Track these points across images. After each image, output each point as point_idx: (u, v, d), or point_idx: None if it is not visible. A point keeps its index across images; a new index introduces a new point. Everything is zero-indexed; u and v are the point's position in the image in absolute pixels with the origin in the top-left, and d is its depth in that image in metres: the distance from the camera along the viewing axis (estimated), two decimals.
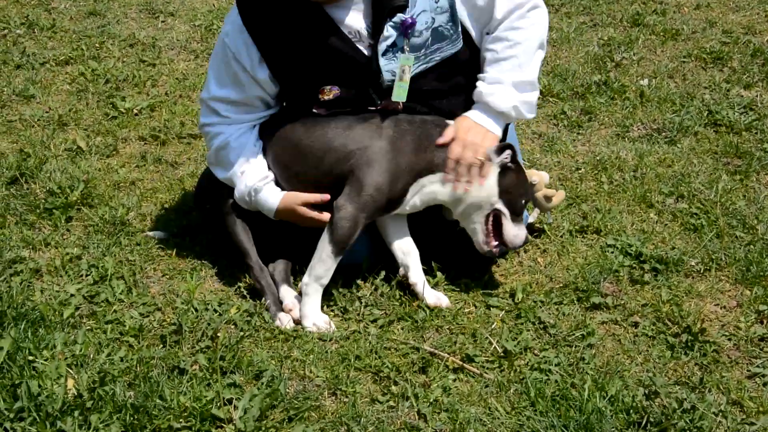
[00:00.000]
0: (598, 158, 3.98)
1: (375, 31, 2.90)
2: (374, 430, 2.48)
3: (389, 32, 2.89)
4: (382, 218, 3.04)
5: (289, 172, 3.04)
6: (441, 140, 2.95)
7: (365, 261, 3.12)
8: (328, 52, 2.92)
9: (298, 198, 3.00)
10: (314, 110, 3.02)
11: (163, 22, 5.49)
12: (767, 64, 4.89)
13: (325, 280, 2.95)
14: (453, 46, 2.98)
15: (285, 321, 2.94)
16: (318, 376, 2.68)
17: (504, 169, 2.97)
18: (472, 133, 2.96)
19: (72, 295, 3.00)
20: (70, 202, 3.52)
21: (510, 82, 2.96)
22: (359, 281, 3.09)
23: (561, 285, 3.15)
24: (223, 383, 2.58)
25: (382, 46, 2.90)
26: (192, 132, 4.16)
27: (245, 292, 3.08)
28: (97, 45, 5.09)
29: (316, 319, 2.92)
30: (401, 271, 3.08)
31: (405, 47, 2.90)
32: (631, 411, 2.49)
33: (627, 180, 3.80)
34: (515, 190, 3.00)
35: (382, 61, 2.92)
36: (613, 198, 3.68)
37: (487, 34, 2.99)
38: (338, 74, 2.97)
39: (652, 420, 2.44)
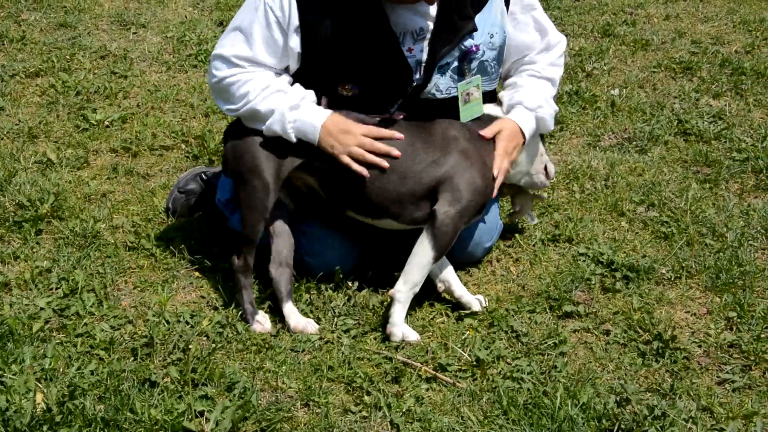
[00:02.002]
0: (569, 167, 4.01)
1: (437, 50, 2.89)
2: None
3: (453, 54, 2.93)
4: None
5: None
6: (488, 133, 3.01)
7: (337, 272, 3.11)
8: (369, 46, 2.87)
9: (353, 123, 2.86)
10: (321, 100, 2.93)
11: (134, 33, 5.48)
12: (735, 73, 4.95)
13: (418, 288, 2.91)
14: (490, 84, 3.09)
15: (264, 323, 2.94)
16: (290, 388, 2.67)
17: None
18: (515, 141, 3.05)
19: (42, 309, 2.97)
20: (40, 214, 3.49)
21: (549, 102, 3.14)
22: (332, 291, 3.09)
23: (533, 293, 3.16)
24: (194, 395, 2.56)
25: (441, 62, 2.93)
26: (164, 144, 4.15)
27: (217, 304, 3.06)
28: (67, 57, 5.07)
29: (405, 329, 2.88)
30: (440, 285, 3.05)
31: (465, 72, 2.97)
32: (603, 418, 2.50)
33: (598, 189, 3.83)
34: None
35: (435, 77, 2.95)
36: (584, 207, 3.70)
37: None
38: (367, 71, 2.90)
39: (623, 427, 2.45)
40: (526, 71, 3.15)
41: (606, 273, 3.25)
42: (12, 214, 3.51)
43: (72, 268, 3.21)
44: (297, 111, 2.86)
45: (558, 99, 4.59)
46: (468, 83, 2.98)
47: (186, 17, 5.75)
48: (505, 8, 3.04)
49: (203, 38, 5.33)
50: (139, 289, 3.15)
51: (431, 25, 2.92)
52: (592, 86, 4.81)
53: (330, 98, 2.94)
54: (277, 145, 2.90)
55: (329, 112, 2.89)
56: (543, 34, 3.14)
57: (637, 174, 3.97)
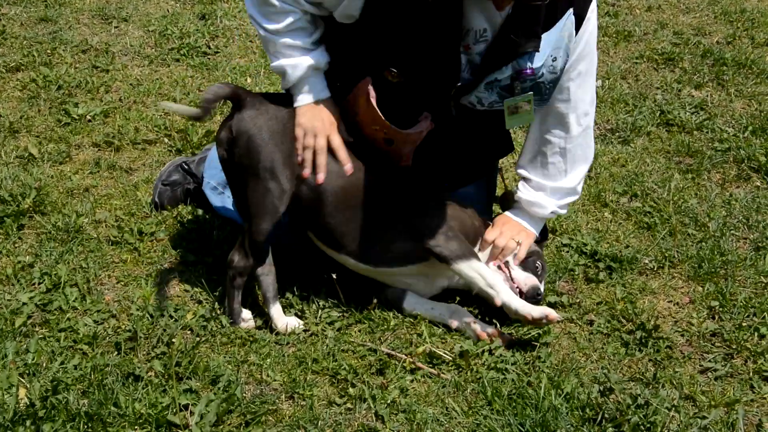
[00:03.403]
0: None
1: (490, 61, 2.78)
2: None
3: (505, 71, 2.79)
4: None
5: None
6: (488, 237, 3.03)
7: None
8: (430, 33, 2.71)
9: (327, 125, 2.84)
10: (369, 86, 2.83)
11: (116, 27, 5.44)
12: (717, 64, 4.98)
13: (499, 278, 2.90)
14: (538, 104, 2.92)
15: (248, 319, 2.94)
16: (275, 380, 2.67)
17: None
18: (509, 226, 3.06)
19: (24, 304, 2.96)
20: (22, 209, 3.47)
21: (551, 188, 3.07)
22: (317, 284, 3.08)
23: None
24: (179, 389, 2.56)
25: (491, 77, 2.80)
26: (146, 138, 4.12)
27: (201, 298, 3.05)
28: (48, 51, 5.03)
29: (527, 306, 2.83)
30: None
31: (516, 90, 2.83)
32: (587, 407, 2.52)
33: None
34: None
35: (482, 87, 2.83)
36: None
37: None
38: (419, 59, 2.76)
39: (607, 416, 2.46)
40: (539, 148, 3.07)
41: (589, 263, 3.26)
42: None
43: (55, 262, 3.19)
44: (314, 73, 2.85)
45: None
46: (515, 99, 2.85)
47: (168, 11, 5.71)
48: (574, 31, 2.81)
49: (185, 32, 5.30)
50: (122, 283, 3.13)
51: (496, 31, 2.76)
52: None
53: (374, 80, 2.83)
54: (292, 145, 2.85)
55: (325, 96, 2.86)
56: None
57: (620, 165, 3.99)
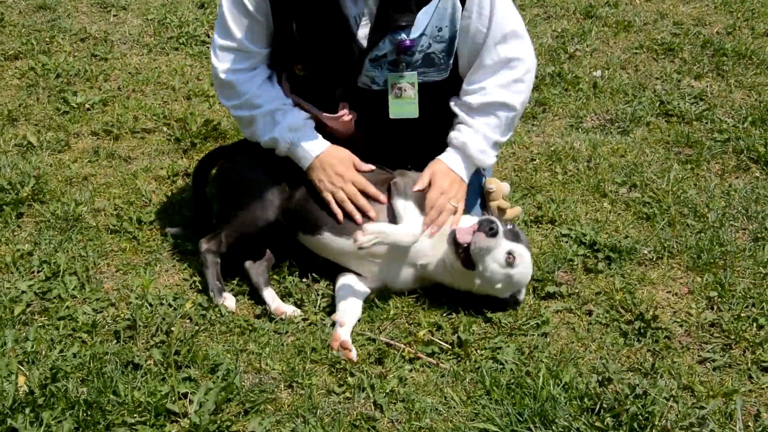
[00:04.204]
0: (552, 149, 4.01)
1: (371, 39, 2.89)
2: (330, 421, 2.49)
3: (385, 46, 2.89)
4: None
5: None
6: (418, 186, 2.98)
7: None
8: (323, 27, 2.90)
9: (346, 166, 2.99)
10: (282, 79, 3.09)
11: (115, 16, 5.43)
12: (717, 54, 4.96)
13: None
14: (439, 74, 3.01)
15: (229, 299, 2.95)
16: (274, 369, 2.68)
17: None
18: (448, 180, 3.01)
19: (23, 292, 2.96)
20: (21, 197, 3.46)
21: (487, 135, 3.03)
22: (315, 273, 3.08)
23: None
24: (178, 377, 2.57)
25: (372, 54, 2.91)
26: (145, 127, 4.12)
27: (200, 287, 3.05)
28: (47, 39, 5.02)
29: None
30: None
31: (400, 65, 2.92)
32: (585, 397, 2.52)
33: (581, 170, 3.84)
34: None
35: (368, 66, 2.93)
36: (567, 188, 3.71)
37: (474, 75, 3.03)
38: (318, 53, 2.95)
39: (605, 406, 2.46)
40: (476, 94, 3.03)
41: (588, 254, 3.26)
42: None
43: (54, 251, 3.19)
44: (297, 132, 2.98)
45: (540, 81, 4.60)
46: (400, 77, 2.95)
47: (167, 0, 5.70)
48: (458, 2, 2.89)
49: (184, 20, 5.29)
50: (121, 272, 3.13)
51: (373, 12, 2.89)
52: (575, 68, 4.81)
53: (288, 74, 3.08)
54: (283, 180, 3.01)
55: (327, 144, 3.00)
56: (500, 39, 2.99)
57: (619, 155, 3.98)
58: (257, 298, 3.00)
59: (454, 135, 3.05)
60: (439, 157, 3.06)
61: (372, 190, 2.99)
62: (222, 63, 3.01)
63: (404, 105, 3.00)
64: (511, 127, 3.10)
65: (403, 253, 2.94)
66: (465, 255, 2.83)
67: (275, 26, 2.96)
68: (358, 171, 3.02)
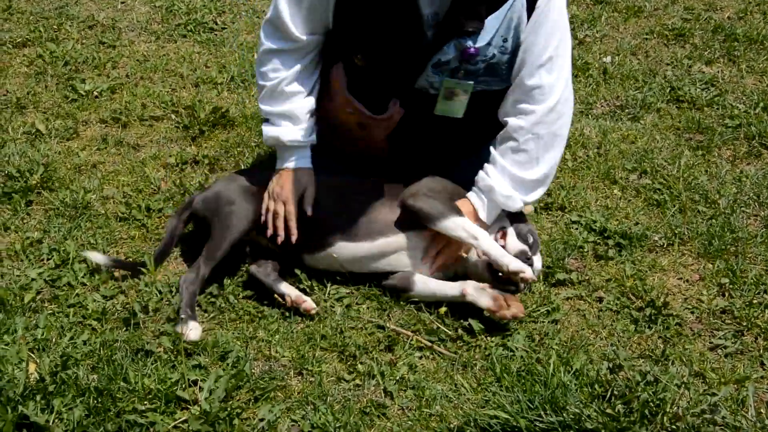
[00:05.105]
0: None
1: (436, 41, 2.82)
2: (340, 408, 2.49)
3: (450, 51, 2.82)
4: None
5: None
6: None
7: None
8: (394, 20, 2.80)
9: (291, 195, 2.97)
10: (341, 70, 2.97)
11: (122, 3, 5.41)
12: (728, 40, 4.93)
13: (482, 230, 2.86)
14: (499, 84, 2.92)
15: (195, 330, 2.76)
16: (284, 356, 2.68)
17: None
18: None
19: (33, 279, 2.97)
20: (30, 185, 3.47)
21: (515, 177, 2.93)
22: None
23: None
24: (188, 365, 2.57)
25: (436, 58, 2.84)
26: (153, 114, 4.12)
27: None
28: (55, 27, 5.01)
29: (507, 256, 2.80)
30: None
31: (460, 72, 2.86)
32: (596, 384, 2.51)
33: (591, 157, 3.82)
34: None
35: (429, 70, 2.87)
36: (577, 175, 3.70)
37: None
38: (387, 45, 2.86)
39: (616, 393, 2.46)
40: (508, 143, 2.93)
41: (599, 240, 3.25)
42: (1, 185, 3.49)
43: (63, 238, 3.20)
44: (296, 146, 2.98)
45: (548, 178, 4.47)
46: (456, 83, 2.88)
47: None
48: (525, 16, 2.80)
49: (192, 7, 5.28)
50: (130, 259, 3.13)
51: (444, 14, 2.81)
52: (585, 54, 4.79)
53: (345, 64, 2.95)
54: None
55: (306, 164, 3.00)
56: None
57: (629, 141, 3.97)
58: (266, 289, 3.00)
59: (481, 176, 2.98)
60: (467, 196, 2.99)
61: (292, 223, 2.95)
62: (267, 41, 2.94)
63: (453, 106, 2.93)
64: (544, 156, 2.93)
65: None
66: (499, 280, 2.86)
67: (340, 12, 2.85)
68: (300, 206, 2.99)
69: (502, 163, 2.92)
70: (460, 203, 2.96)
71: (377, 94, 2.97)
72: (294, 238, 2.95)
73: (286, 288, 2.91)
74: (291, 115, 2.97)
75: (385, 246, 2.95)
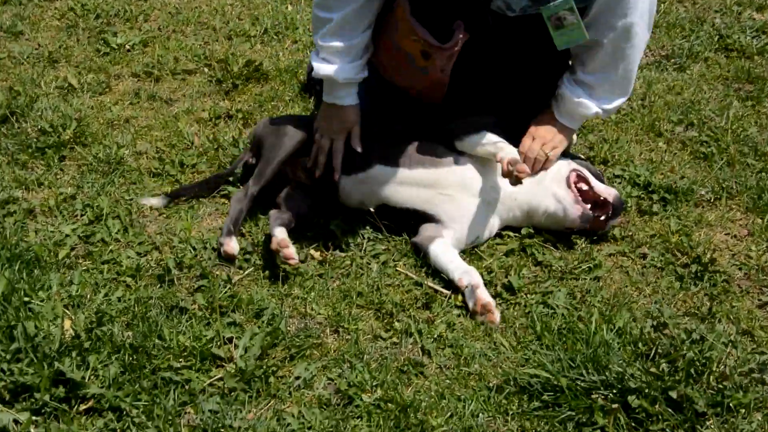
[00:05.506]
0: None
1: None
2: (377, 366, 2.47)
3: None
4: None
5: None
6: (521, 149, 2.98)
7: None
8: None
9: (356, 122, 2.98)
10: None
11: None
12: None
13: (505, 142, 2.91)
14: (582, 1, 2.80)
15: (231, 244, 2.89)
16: (319, 314, 2.67)
17: None
18: (542, 130, 2.99)
19: (67, 236, 2.98)
20: (63, 140, 3.47)
21: (599, 86, 2.94)
22: (360, 219, 3.05)
23: None
24: (222, 322, 2.57)
25: None
26: (186, 68, 4.09)
27: (243, 230, 3.04)
28: None
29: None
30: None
31: None
32: (639, 342, 2.47)
33: (635, 109, 3.74)
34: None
35: None
36: (620, 127, 3.62)
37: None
38: None
39: (660, 351, 2.41)
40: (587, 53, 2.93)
41: (642, 195, 3.19)
42: (34, 140, 3.49)
43: (96, 194, 3.20)
44: (345, 82, 2.93)
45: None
46: (555, 6, 2.72)
47: None
48: None
49: None
50: (164, 215, 3.13)
51: None
52: None
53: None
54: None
55: (354, 102, 2.97)
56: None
57: (675, 92, 3.88)
58: (300, 243, 2.98)
59: (564, 93, 2.98)
60: (546, 117, 3.01)
61: (337, 161, 2.98)
62: None
63: (571, 33, 2.79)
64: (627, 72, 2.94)
65: (475, 190, 2.94)
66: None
67: None
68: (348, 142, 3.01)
69: (577, 70, 2.94)
70: (540, 116, 3.01)
71: (443, 20, 2.85)
72: (337, 175, 2.98)
73: (279, 232, 2.89)
74: (347, 51, 2.90)
75: (421, 177, 2.93)
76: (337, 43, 2.88)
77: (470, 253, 2.93)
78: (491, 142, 2.89)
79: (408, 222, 2.97)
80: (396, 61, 3.00)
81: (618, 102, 3.00)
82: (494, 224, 2.97)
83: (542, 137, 2.98)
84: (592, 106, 2.96)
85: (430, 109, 3.12)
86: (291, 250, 2.80)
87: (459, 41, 2.83)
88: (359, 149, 2.98)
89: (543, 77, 3.07)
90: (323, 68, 2.92)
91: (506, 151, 2.85)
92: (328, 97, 2.98)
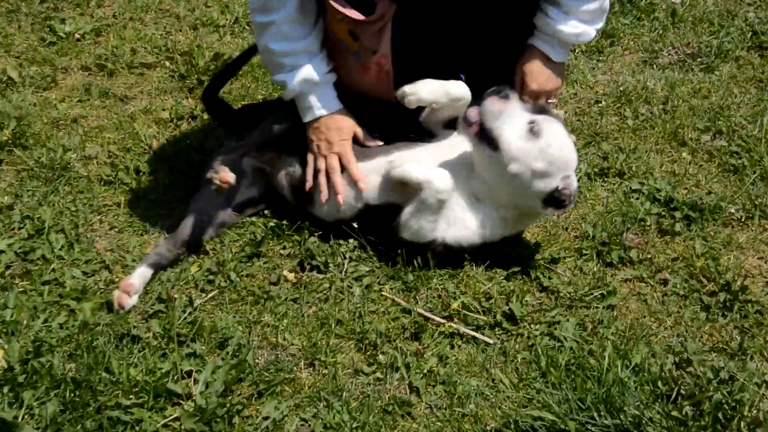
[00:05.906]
0: (621, 89, 3.95)
1: None
2: (358, 406, 2.47)
3: None
4: None
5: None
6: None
7: None
8: None
9: (343, 138, 3.02)
10: None
11: None
12: None
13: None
14: None
15: (225, 174, 2.94)
16: (292, 344, 2.67)
17: None
18: (544, 76, 3.10)
19: (2, 252, 2.97)
20: (0, 142, 3.47)
21: (582, 12, 3.03)
22: (341, 237, 3.05)
23: (577, 237, 3.13)
24: (181, 353, 2.56)
25: None
26: (144, 61, 4.11)
27: (207, 248, 3.03)
28: None
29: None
30: None
31: None
32: (659, 381, 2.47)
33: (655, 114, 3.78)
34: None
35: None
36: (638, 135, 3.66)
37: None
38: None
39: (683, 392, 2.42)
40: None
41: (664, 212, 3.22)
42: None
43: (38, 204, 3.19)
44: (311, 86, 3.00)
45: (609, 9, 4.50)
46: None
47: None
48: None
49: None
50: (116, 229, 3.13)
51: None
52: None
53: None
54: None
55: (338, 107, 3.04)
56: None
57: (701, 96, 3.92)
58: (272, 262, 2.98)
59: (543, 22, 3.05)
60: (531, 42, 3.08)
61: (354, 169, 3.01)
62: None
63: None
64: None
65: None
66: (481, 130, 2.82)
67: None
68: (362, 145, 3.06)
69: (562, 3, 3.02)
70: (525, 56, 3.09)
71: None
72: (341, 198, 3.02)
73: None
74: (305, 49, 2.98)
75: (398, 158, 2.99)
76: (295, 45, 2.96)
77: (466, 276, 2.93)
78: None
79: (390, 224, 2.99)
80: (338, 54, 3.06)
81: (599, 25, 3.12)
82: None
83: (542, 88, 3.09)
84: (581, 25, 3.05)
85: (392, 110, 3.14)
86: (228, 174, 2.92)
87: (385, 13, 2.91)
88: (380, 143, 3.07)
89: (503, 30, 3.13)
90: (293, 77, 2.97)
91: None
92: (307, 112, 3.03)
